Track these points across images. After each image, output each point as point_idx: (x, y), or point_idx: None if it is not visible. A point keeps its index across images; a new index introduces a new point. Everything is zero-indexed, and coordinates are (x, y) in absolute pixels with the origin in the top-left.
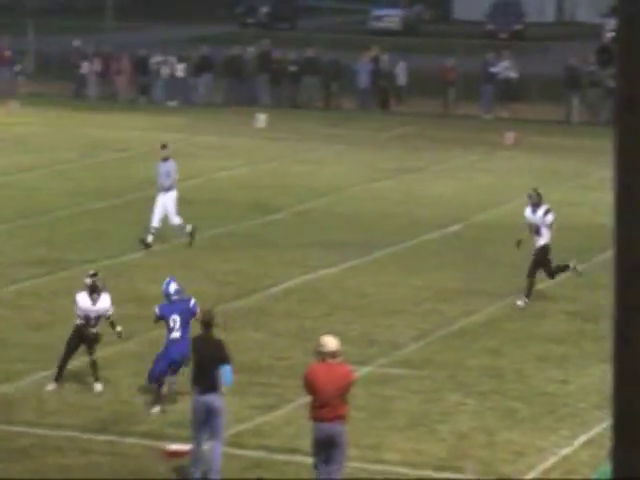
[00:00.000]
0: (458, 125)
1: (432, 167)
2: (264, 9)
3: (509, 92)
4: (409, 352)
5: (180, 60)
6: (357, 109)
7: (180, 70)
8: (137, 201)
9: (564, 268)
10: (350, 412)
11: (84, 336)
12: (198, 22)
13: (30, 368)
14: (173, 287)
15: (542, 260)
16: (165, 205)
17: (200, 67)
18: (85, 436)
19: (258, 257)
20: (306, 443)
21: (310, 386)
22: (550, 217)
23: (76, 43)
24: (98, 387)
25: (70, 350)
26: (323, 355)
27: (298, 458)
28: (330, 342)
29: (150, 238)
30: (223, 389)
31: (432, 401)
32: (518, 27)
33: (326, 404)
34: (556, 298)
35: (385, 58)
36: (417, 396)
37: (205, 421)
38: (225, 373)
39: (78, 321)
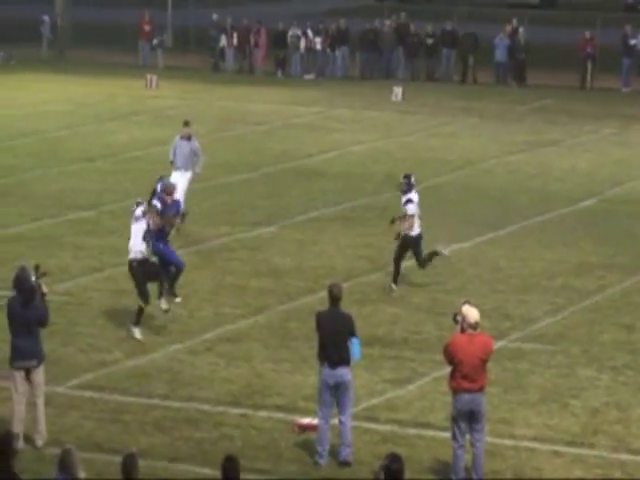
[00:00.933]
0: (595, 98)
1: (567, 140)
2: None
3: None
4: (543, 327)
5: (317, 33)
6: (494, 82)
7: (317, 43)
8: (272, 175)
9: (431, 256)
10: None
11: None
12: None
13: (163, 341)
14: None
15: (404, 248)
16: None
17: (337, 40)
18: (218, 409)
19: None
20: (438, 417)
21: (453, 357)
22: (410, 207)
23: (214, 17)
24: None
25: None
26: (465, 326)
27: (430, 432)
28: (472, 313)
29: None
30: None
31: (565, 376)
32: None
33: (468, 375)
34: None
35: (522, 31)
36: (550, 371)
37: (334, 395)
38: (354, 347)
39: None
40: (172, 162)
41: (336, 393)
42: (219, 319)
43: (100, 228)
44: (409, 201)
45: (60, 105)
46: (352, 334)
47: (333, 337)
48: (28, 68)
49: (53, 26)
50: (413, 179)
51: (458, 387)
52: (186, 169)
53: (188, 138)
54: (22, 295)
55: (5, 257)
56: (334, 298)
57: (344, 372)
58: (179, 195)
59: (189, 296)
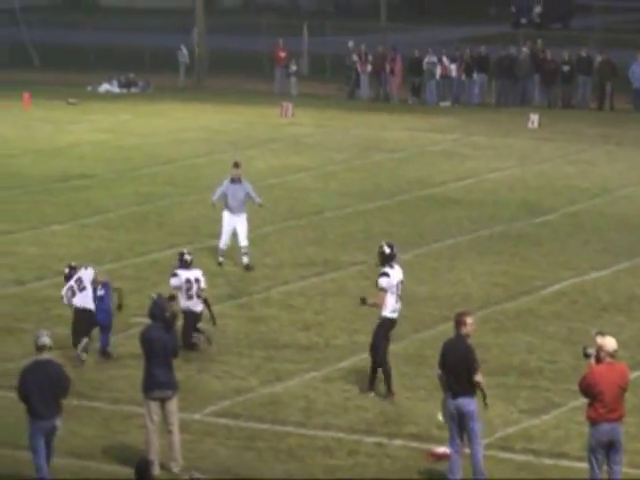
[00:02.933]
0: None
1: None
2: (537, 9)
3: None
4: None
5: (453, 60)
6: (631, 109)
7: (453, 70)
8: (407, 202)
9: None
10: None
11: None
12: (471, 22)
13: (299, 369)
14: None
15: None
16: (236, 226)
17: (474, 67)
18: (352, 437)
19: (528, 258)
20: (574, 447)
21: (593, 387)
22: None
23: (350, 44)
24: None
25: None
26: (603, 355)
27: (565, 462)
28: (610, 342)
29: (221, 259)
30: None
31: None
32: None
33: (609, 404)
34: None
35: None
36: None
37: (460, 425)
38: None
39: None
40: (213, 204)
41: (462, 423)
42: (354, 347)
43: (235, 255)
44: None
45: (197, 133)
46: (469, 369)
47: (454, 367)
48: (166, 96)
49: (190, 55)
50: None
51: (598, 417)
52: (241, 212)
53: (239, 181)
54: (164, 323)
55: (142, 284)
56: (458, 325)
57: (466, 402)
58: (242, 239)
59: (325, 324)
